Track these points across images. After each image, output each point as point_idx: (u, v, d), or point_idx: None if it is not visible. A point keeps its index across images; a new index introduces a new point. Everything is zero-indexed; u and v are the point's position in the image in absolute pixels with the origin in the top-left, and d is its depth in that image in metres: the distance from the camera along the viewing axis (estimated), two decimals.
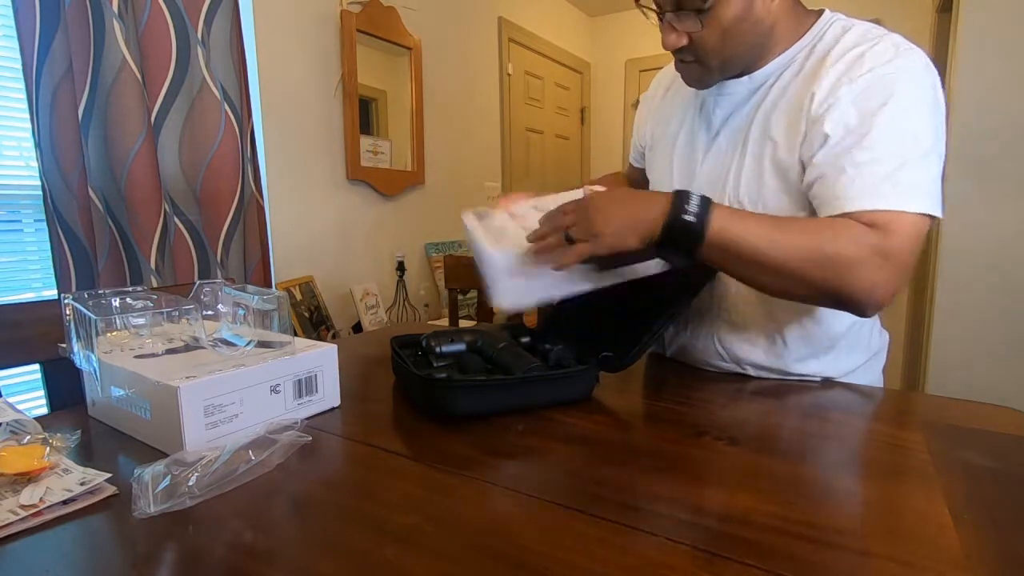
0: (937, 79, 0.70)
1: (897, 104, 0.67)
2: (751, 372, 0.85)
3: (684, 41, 0.74)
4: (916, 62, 0.69)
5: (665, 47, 0.76)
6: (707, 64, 0.76)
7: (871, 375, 0.86)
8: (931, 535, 0.43)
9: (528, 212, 0.81)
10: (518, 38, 3.08)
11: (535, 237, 0.72)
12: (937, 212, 0.67)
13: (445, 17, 2.57)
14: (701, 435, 0.62)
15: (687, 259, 0.68)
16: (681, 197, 0.66)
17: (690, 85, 0.83)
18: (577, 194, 0.80)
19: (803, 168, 0.73)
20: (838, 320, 0.81)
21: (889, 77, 0.68)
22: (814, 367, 0.82)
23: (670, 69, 0.97)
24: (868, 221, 0.65)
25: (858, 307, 0.67)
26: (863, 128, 0.68)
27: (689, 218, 0.64)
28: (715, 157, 0.83)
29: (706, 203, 0.65)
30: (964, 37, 1.79)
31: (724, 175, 0.81)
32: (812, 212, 0.74)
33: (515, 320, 1.42)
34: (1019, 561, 0.40)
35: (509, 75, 3.02)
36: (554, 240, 0.70)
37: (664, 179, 0.92)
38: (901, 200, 0.65)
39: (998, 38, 1.74)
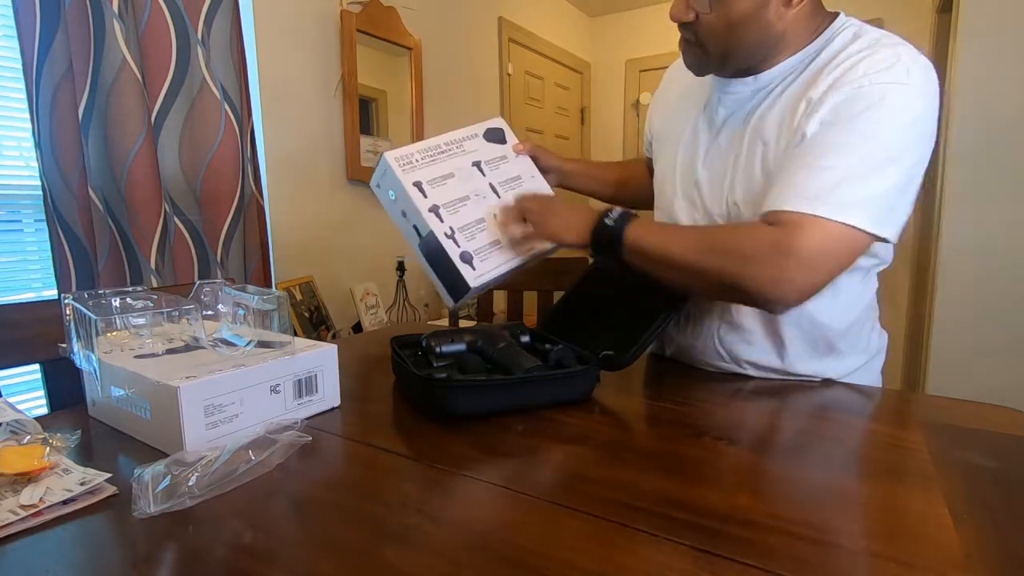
0: (934, 102, 0.67)
1: (875, 113, 0.65)
2: (751, 372, 0.85)
3: (691, 16, 0.74)
4: (914, 77, 0.66)
5: (672, 16, 0.76)
6: (707, 50, 0.76)
7: (871, 375, 0.86)
8: (931, 535, 0.43)
9: (440, 156, 0.87)
10: (518, 38, 3.08)
11: (502, 220, 0.86)
12: (873, 229, 0.65)
13: (445, 17, 2.57)
14: (701, 435, 0.62)
15: (612, 260, 0.78)
16: (605, 212, 0.78)
17: (688, 68, 0.82)
18: (478, 128, 0.93)
19: None
20: (838, 321, 0.80)
21: (878, 87, 0.65)
22: (814, 368, 0.82)
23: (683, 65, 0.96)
24: (775, 220, 0.67)
25: (762, 302, 0.69)
26: (830, 134, 0.67)
27: (609, 221, 0.76)
28: (715, 157, 0.83)
29: (626, 216, 0.76)
30: (964, 37, 1.79)
31: (723, 176, 0.81)
32: None
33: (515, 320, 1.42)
34: (1019, 561, 0.40)
35: (509, 75, 3.02)
36: (513, 216, 0.85)
37: (667, 177, 0.91)
38: (831, 209, 0.64)
39: (998, 38, 1.73)
